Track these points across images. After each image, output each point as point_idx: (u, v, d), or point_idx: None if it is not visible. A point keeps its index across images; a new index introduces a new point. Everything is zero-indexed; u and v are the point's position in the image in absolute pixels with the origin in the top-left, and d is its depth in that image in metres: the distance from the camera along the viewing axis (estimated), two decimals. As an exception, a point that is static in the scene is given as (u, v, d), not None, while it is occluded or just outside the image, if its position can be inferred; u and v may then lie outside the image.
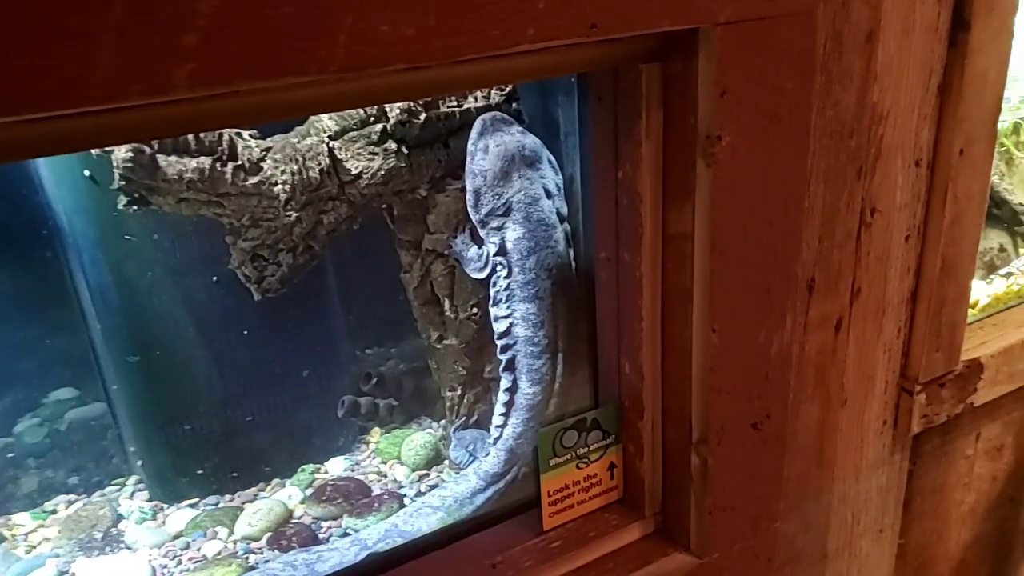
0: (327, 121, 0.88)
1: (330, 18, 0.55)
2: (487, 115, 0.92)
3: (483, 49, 0.61)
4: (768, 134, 0.77)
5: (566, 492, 0.96)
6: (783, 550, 1.07)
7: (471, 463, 1.06)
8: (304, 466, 1.18)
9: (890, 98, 0.88)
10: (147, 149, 0.83)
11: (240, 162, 0.85)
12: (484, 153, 0.91)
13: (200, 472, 1.13)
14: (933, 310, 1.03)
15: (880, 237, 0.95)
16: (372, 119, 0.89)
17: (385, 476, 1.16)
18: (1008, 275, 1.26)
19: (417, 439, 1.17)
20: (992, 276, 1.27)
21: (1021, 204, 1.23)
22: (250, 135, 0.87)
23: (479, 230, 0.95)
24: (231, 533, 1.06)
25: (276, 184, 0.85)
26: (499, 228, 0.95)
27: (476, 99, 0.93)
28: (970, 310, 1.21)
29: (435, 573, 0.92)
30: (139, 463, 1.16)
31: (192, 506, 1.12)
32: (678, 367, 0.88)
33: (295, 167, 0.85)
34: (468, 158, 0.92)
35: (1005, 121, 1.12)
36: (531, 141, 0.94)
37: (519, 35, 0.62)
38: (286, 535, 1.04)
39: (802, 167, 0.81)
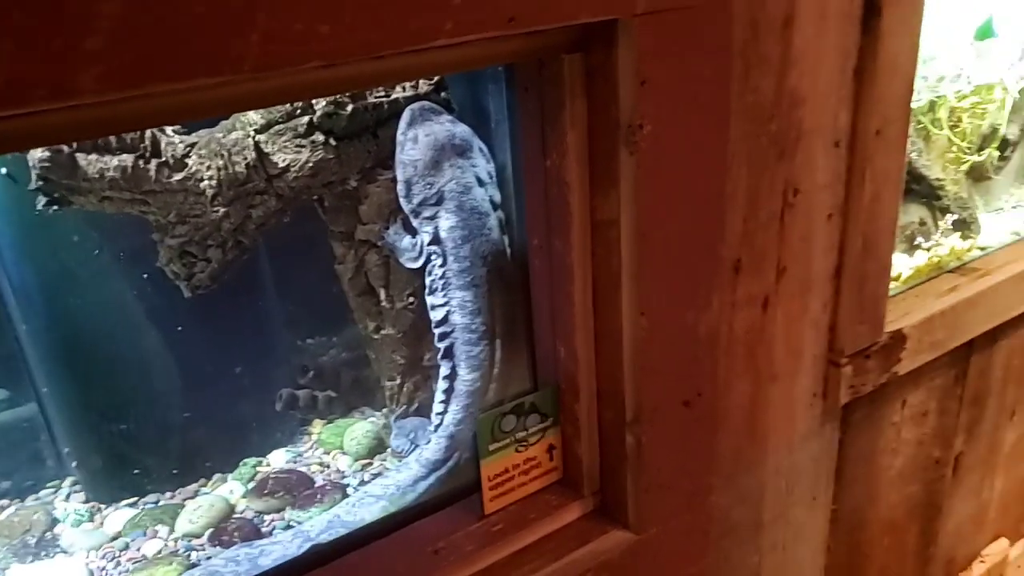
0: (252, 115, 0.86)
1: (242, 17, 0.54)
2: (415, 105, 0.91)
3: (401, 44, 0.61)
4: (688, 121, 0.78)
5: (506, 476, 0.97)
6: (719, 523, 1.10)
7: (413, 451, 1.07)
8: (245, 460, 1.17)
9: (808, 82, 0.91)
10: (65, 148, 0.81)
11: (164, 159, 0.83)
12: (414, 143, 0.91)
13: (138, 471, 1.11)
14: (856, 285, 1.07)
15: (803, 217, 0.98)
16: (299, 112, 0.88)
17: (328, 467, 1.16)
18: (928, 248, 1.31)
19: (359, 428, 1.17)
20: (915, 246, 1.32)
21: (938, 179, 1.27)
22: (174, 131, 0.85)
23: (412, 220, 0.95)
24: (172, 531, 1.06)
25: (202, 180, 0.84)
26: (432, 217, 0.95)
27: (404, 89, 0.92)
28: (893, 283, 1.26)
29: (378, 562, 0.93)
30: (74, 464, 1.14)
31: (131, 505, 1.11)
32: (611, 350, 0.90)
33: (221, 162, 0.83)
34: (397, 148, 0.92)
35: (921, 100, 1.16)
36: (461, 130, 0.94)
37: (437, 29, 0.62)
38: (228, 531, 1.04)
39: (723, 152, 0.83)
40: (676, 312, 0.87)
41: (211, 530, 1.05)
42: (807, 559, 1.29)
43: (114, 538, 1.05)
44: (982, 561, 1.63)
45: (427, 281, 0.99)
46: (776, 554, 1.23)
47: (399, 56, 0.64)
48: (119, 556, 1.02)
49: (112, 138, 0.81)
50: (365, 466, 1.15)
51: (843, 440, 1.25)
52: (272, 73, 0.58)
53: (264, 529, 1.07)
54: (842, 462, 1.27)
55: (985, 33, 1.16)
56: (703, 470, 0.99)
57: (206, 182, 0.84)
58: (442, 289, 0.99)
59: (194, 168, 0.84)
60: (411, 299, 1.01)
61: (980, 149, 1.34)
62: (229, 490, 1.13)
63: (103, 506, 1.11)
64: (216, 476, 1.16)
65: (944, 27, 1.16)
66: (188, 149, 0.84)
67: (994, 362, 1.43)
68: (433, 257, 0.97)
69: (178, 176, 0.83)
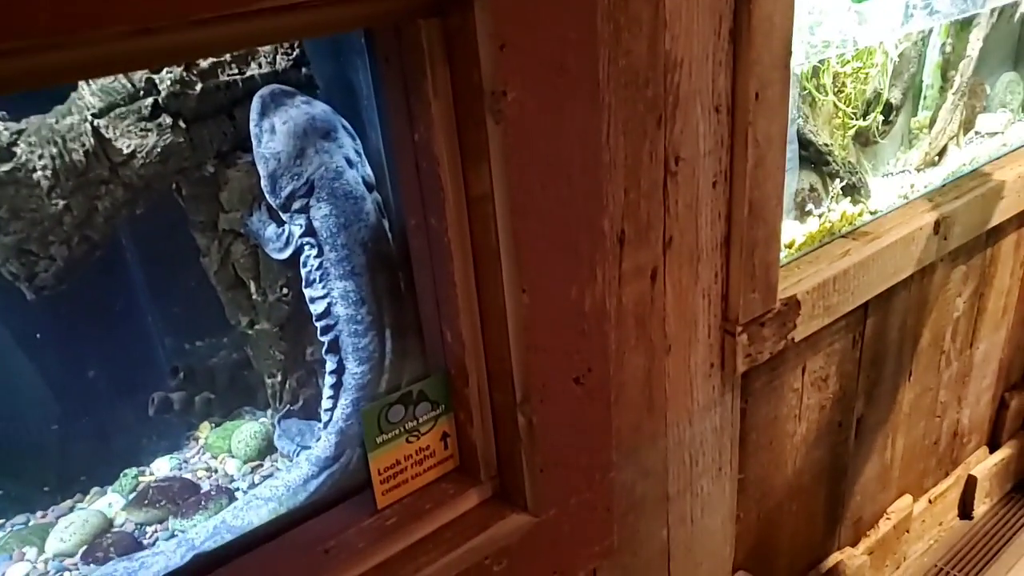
0: (89, 98, 0.79)
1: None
2: (264, 90, 0.85)
3: (221, 6, 0.56)
4: (556, 87, 0.75)
5: (398, 468, 0.93)
6: (623, 499, 1.09)
7: (300, 452, 1.02)
8: (126, 471, 1.10)
9: (683, 45, 0.89)
10: None
11: (-11, 148, 0.76)
12: (271, 134, 0.85)
13: (1, 492, 1.03)
14: (746, 253, 1.06)
15: (687, 185, 0.97)
16: (142, 92, 0.81)
17: (215, 471, 1.09)
18: (820, 214, 1.32)
19: (247, 430, 1.11)
20: (806, 212, 1.32)
21: (826, 144, 1.28)
22: (-2, 118, 0.78)
23: (281, 214, 0.90)
24: (41, 552, 0.98)
25: (35, 170, 0.76)
26: (303, 209, 0.89)
27: (260, 65, 0.86)
28: (787, 249, 1.26)
29: (265, 566, 0.88)
30: (-68, 490, 1.04)
31: (-3, 529, 1.03)
32: (496, 330, 0.87)
33: (55, 150, 0.76)
34: (254, 141, 0.85)
35: (805, 64, 1.16)
36: (320, 110, 0.88)
37: (262, -11, 0.57)
38: (103, 546, 0.97)
39: (596, 119, 0.80)
40: (559, 287, 0.84)
41: (85, 547, 0.98)
42: (717, 529, 1.29)
43: (-25, 565, 0.97)
44: (888, 518, 1.67)
45: (303, 273, 0.94)
46: (685, 526, 1.23)
47: (225, 22, 0.58)
48: (-22, 584, 0.94)
49: (-75, 127, 0.74)
50: (255, 468, 1.09)
51: (746, 409, 1.25)
52: (72, 39, 0.52)
53: (145, 541, 1.00)
54: (746, 431, 1.27)
55: (862, -5, 1.16)
56: (600, 446, 0.97)
57: (39, 173, 0.76)
58: (321, 280, 0.94)
59: (24, 158, 0.76)
60: (285, 291, 0.95)
61: (865, 114, 1.36)
62: (108, 503, 1.05)
63: (-37, 532, 1.02)
64: (94, 490, 1.08)
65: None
66: (15, 136, 0.76)
67: (889, 324, 1.46)
68: (307, 248, 0.92)
69: (5, 167, 0.75)
